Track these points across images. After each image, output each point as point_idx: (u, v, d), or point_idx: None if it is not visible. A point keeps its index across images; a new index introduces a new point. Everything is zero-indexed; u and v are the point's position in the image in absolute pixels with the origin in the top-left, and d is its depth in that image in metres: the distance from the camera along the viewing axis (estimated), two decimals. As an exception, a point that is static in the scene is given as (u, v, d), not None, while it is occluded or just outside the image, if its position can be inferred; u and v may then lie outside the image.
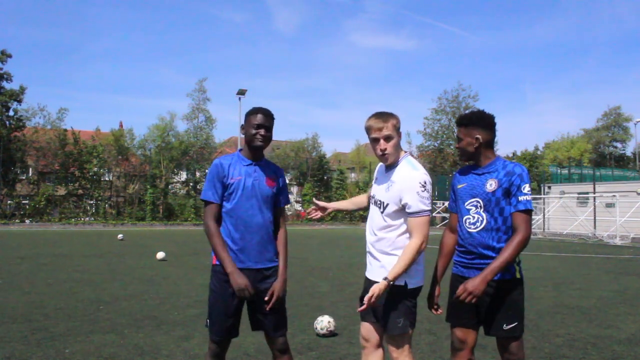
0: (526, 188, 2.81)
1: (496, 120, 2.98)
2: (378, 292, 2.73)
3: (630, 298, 7.81)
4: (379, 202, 2.97)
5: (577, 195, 27.94)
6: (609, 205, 25.01)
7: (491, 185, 2.85)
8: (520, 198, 2.79)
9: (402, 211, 2.85)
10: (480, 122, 2.92)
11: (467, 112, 3.00)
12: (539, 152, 50.95)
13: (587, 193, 27.39)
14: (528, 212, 2.80)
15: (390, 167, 2.96)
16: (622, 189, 25.96)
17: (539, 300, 7.45)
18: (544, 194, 30.64)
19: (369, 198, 3.16)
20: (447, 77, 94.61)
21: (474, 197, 2.90)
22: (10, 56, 32.30)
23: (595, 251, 17.07)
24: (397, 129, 2.91)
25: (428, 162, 45.75)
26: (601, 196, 25.82)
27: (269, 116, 3.05)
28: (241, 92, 33.48)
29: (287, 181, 42.35)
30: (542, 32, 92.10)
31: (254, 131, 3.00)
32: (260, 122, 3.00)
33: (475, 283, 2.72)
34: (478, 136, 2.89)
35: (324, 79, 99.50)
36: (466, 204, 2.94)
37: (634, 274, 10.84)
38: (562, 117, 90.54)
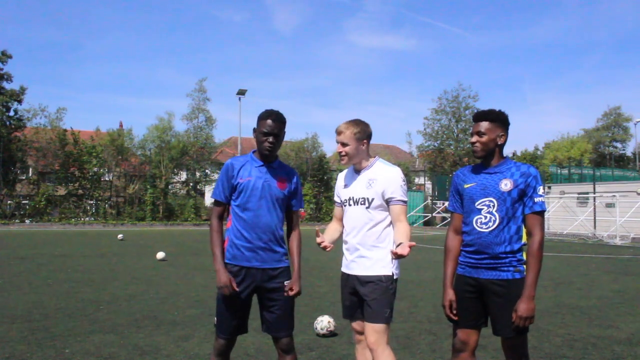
0: (540, 190, 2.85)
1: None
2: (407, 250, 2.85)
3: (630, 298, 7.81)
4: (362, 200, 3.14)
5: (577, 195, 27.94)
6: (609, 205, 25.00)
7: (506, 185, 2.84)
8: (536, 199, 2.82)
9: (385, 205, 3.10)
10: (505, 123, 2.94)
11: (489, 109, 2.96)
12: (539, 152, 50.95)
13: (587, 193, 27.38)
14: (542, 213, 2.83)
15: (361, 170, 3.20)
16: (622, 189, 25.94)
17: (539, 300, 7.40)
18: (545, 194, 30.62)
19: (342, 206, 3.30)
20: (447, 77, 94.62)
21: (487, 197, 2.87)
22: (10, 57, 32.25)
23: (595, 251, 17.07)
24: (357, 138, 3.15)
25: (428, 162, 45.75)
26: (601, 196, 25.80)
27: (278, 121, 3.09)
28: (241, 92, 33.47)
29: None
30: (542, 32, 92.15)
31: (262, 138, 3.07)
32: (268, 130, 3.06)
33: (524, 307, 2.72)
34: (502, 134, 2.91)
35: (324, 79, 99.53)
36: (477, 203, 2.90)
37: (634, 274, 10.84)
38: (562, 117, 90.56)
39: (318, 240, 3.15)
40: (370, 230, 3.11)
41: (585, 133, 54.16)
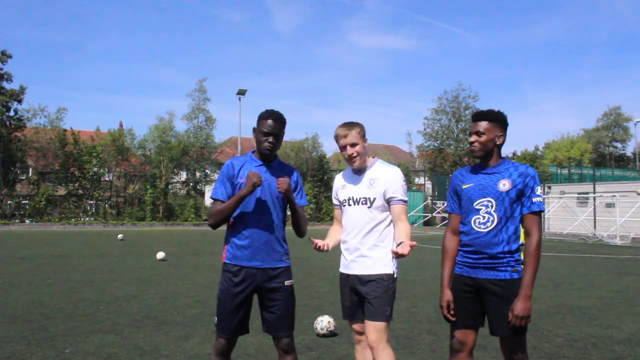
0: (539, 190, 2.86)
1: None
2: (409, 249, 2.87)
3: (630, 298, 7.81)
4: (364, 200, 3.16)
5: (577, 195, 27.94)
6: (609, 205, 25.00)
7: (504, 185, 2.84)
8: (534, 200, 2.83)
9: (386, 205, 3.14)
10: (504, 123, 2.95)
11: (488, 109, 2.97)
12: (539, 152, 50.95)
13: (587, 193, 27.38)
14: (540, 213, 2.85)
15: (362, 170, 3.21)
16: (622, 189, 25.94)
17: (539, 300, 7.44)
18: (544, 194, 30.61)
19: (341, 207, 3.31)
20: (447, 77, 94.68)
21: (485, 197, 2.88)
22: (10, 57, 32.29)
23: (595, 251, 17.07)
24: (361, 136, 3.18)
25: (428, 162, 45.74)
26: (601, 196, 25.80)
27: (278, 122, 3.08)
28: (241, 92, 33.49)
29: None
30: (542, 32, 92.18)
31: (262, 138, 3.06)
32: (269, 130, 3.05)
33: (520, 307, 2.72)
34: (501, 134, 2.92)
35: (324, 79, 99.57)
36: (475, 204, 2.91)
37: (634, 274, 10.84)
38: (562, 117, 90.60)
39: (314, 243, 3.12)
40: (372, 230, 3.13)
41: (585, 133, 54.15)
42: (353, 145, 3.14)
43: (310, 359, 4.57)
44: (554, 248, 17.86)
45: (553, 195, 29.23)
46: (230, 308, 3.04)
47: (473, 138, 2.92)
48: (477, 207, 2.90)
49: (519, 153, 47.90)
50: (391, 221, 3.16)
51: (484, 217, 2.87)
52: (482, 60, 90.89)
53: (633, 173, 36.14)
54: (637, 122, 45.39)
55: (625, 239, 22.25)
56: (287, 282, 3.11)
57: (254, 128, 3.14)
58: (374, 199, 3.13)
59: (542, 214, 2.87)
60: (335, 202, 3.40)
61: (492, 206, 2.86)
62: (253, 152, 3.20)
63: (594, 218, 25.79)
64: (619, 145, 55.04)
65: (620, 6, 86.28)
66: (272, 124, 3.05)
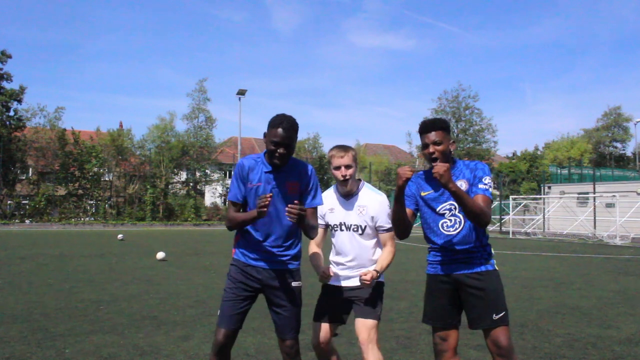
0: (487, 179, 2.90)
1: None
2: (371, 277, 3.13)
3: (630, 298, 7.81)
4: (355, 227, 3.30)
5: (577, 195, 27.91)
6: (609, 205, 24.98)
7: (462, 185, 2.89)
8: (480, 186, 2.88)
9: (375, 230, 3.31)
10: (450, 130, 3.05)
11: (433, 118, 3.08)
12: (539, 152, 50.97)
13: (587, 193, 27.35)
14: (489, 199, 2.85)
15: (350, 194, 3.30)
16: (622, 189, 25.92)
17: (539, 300, 7.44)
18: (544, 194, 30.61)
19: (326, 229, 3.45)
20: (447, 77, 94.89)
21: (447, 201, 2.93)
22: (10, 57, 32.29)
23: (595, 251, 17.06)
24: (355, 160, 3.28)
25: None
26: (601, 196, 25.78)
27: (289, 130, 2.88)
28: (241, 92, 33.50)
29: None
30: (542, 31, 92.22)
31: (272, 147, 2.89)
32: (279, 140, 2.86)
33: (442, 169, 2.69)
34: (453, 141, 3.00)
35: (324, 79, 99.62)
36: (438, 209, 2.95)
37: (634, 274, 10.84)
38: (562, 117, 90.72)
39: (328, 274, 3.32)
40: (365, 253, 3.32)
41: (585, 133, 54.19)
42: (348, 167, 3.23)
43: (311, 359, 4.57)
44: (554, 248, 17.86)
45: (553, 195, 29.21)
46: (234, 296, 3.02)
47: (432, 148, 2.92)
48: (441, 212, 2.95)
49: (519, 153, 47.90)
50: (378, 242, 3.34)
51: (450, 220, 2.93)
52: (482, 60, 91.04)
53: (633, 173, 36.13)
54: (637, 122, 45.42)
55: (625, 239, 22.25)
56: (294, 284, 3.11)
57: (264, 133, 2.98)
58: (365, 226, 3.27)
59: (491, 202, 2.88)
60: (320, 221, 3.38)
61: (455, 208, 2.91)
62: (265, 153, 3.04)
63: (594, 218, 25.76)
64: (619, 145, 55.12)
65: (620, 6, 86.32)
66: (282, 134, 2.84)
